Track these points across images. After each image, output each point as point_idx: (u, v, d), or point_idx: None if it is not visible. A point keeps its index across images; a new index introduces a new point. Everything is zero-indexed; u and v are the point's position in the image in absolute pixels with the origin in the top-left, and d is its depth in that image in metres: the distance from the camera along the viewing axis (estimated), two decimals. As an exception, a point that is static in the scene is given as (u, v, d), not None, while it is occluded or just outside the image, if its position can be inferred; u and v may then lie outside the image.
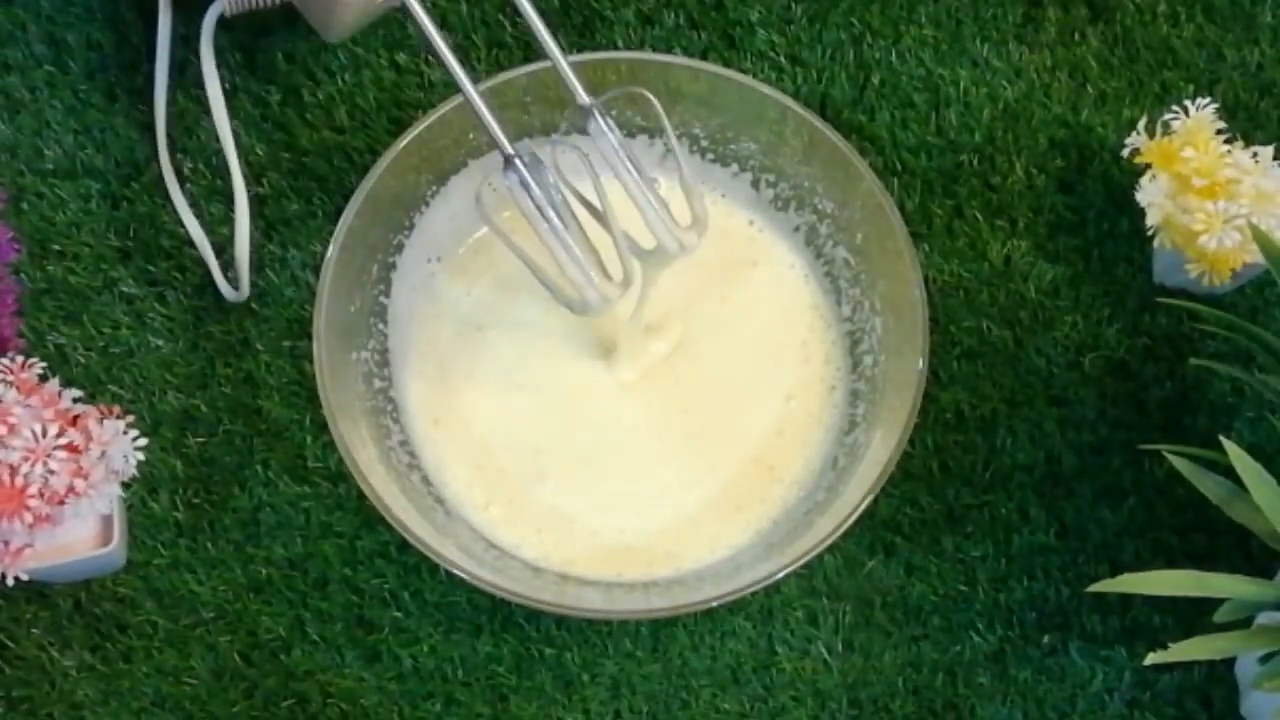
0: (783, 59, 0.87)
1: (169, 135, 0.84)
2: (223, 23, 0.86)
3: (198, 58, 0.82)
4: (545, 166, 0.70)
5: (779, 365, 0.80)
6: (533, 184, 0.69)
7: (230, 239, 0.81)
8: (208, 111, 0.84)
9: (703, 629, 0.76)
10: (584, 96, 0.71)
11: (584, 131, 0.71)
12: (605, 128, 0.70)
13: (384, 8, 0.73)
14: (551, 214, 0.69)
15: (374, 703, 0.75)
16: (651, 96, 0.73)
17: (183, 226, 0.82)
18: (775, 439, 0.78)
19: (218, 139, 0.81)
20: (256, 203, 0.83)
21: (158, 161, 0.83)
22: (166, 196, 0.83)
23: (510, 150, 0.70)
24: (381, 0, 0.74)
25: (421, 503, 0.75)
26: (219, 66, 0.84)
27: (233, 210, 0.81)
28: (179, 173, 0.83)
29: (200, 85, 0.85)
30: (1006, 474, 0.79)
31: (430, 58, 0.85)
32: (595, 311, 0.72)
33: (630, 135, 0.80)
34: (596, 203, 0.72)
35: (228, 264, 0.81)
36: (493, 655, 0.76)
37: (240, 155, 0.81)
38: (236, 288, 0.80)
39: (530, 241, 0.71)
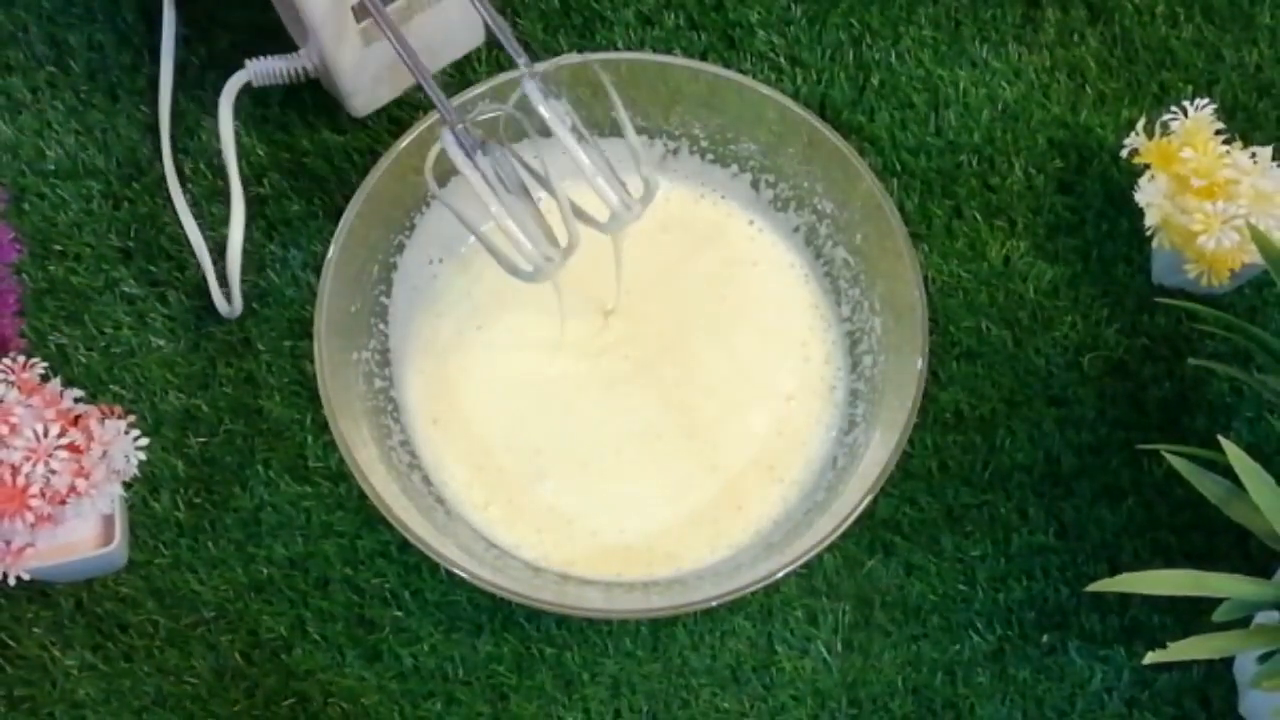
0: (782, 60, 0.87)
1: (171, 136, 0.84)
2: (222, 22, 0.86)
3: (201, 58, 0.82)
4: (493, 145, 0.70)
5: (779, 365, 0.80)
6: (467, 145, 0.69)
7: (246, 229, 0.82)
8: (209, 113, 0.84)
9: (703, 628, 0.77)
10: (521, 66, 0.71)
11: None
12: (539, 93, 0.70)
13: (406, 86, 0.73)
14: (490, 174, 0.70)
15: (375, 702, 0.75)
16: (596, 65, 0.72)
17: (184, 229, 0.83)
18: (775, 439, 0.78)
19: (220, 159, 0.81)
20: (257, 203, 0.83)
21: (160, 163, 0.84)
22: (168, 197, 0.83)
23: (451, 115, 0.70)
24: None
25: (422, 502, 0.75)
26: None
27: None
28: (180, 173, 0.84)
29: (202, 86, 0.85)
30: (1006, 474, 0.80)
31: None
32: (539, 276, 0.72)
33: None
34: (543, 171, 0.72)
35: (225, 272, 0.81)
36: (493, 654, 0.76)
37: (244, 201, 0.82)
38: (230, 303, 0.80)
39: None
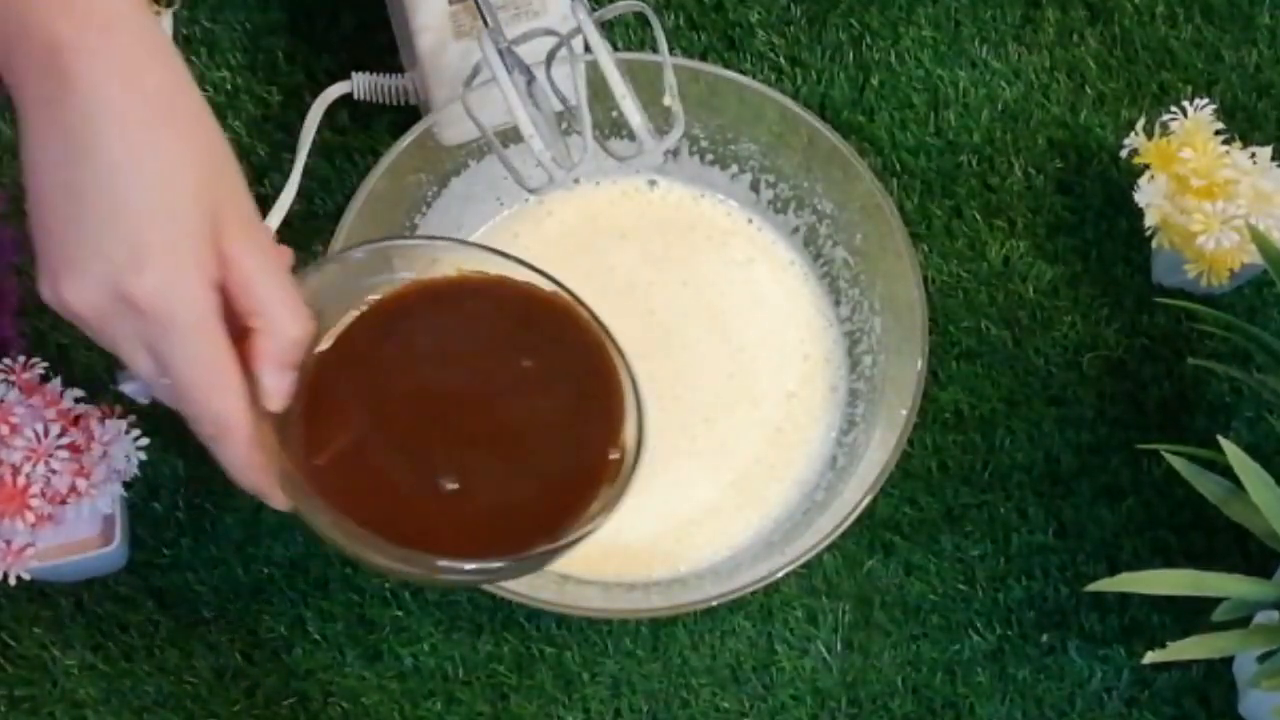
0: (782, 60, 0.87)
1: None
2: (223, 23, 0.86)
3: (202, 59, 0.82)
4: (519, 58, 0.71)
5: (779, 365, 0.80)
6: (505, 53, 0.70)
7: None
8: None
9: (702, 628, 0.77)
10: None
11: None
12: (585, 11, 0.71)
13: (499, 123, 0.73)
14: (521, 86, 0.70)
15: (375, 701, 0.75)
16: (650, 12, 0.72)
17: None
18: (776, 437, 0.78)
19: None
20: (258, 203, 0.82)
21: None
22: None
23: (495, 21, 0.71)
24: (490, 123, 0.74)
25: (422, 502, 0.75)
26: (219, 67, 0.85)
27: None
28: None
29: (203, 85, 0.85)
30: (1005, 473, 0.80)
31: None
32: (548, 187, 0.72)
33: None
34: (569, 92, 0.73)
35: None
36: (493, 654, 0.76)
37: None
38: None
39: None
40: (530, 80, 0.71)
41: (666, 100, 0.72)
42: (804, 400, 0.79)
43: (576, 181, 0.71)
